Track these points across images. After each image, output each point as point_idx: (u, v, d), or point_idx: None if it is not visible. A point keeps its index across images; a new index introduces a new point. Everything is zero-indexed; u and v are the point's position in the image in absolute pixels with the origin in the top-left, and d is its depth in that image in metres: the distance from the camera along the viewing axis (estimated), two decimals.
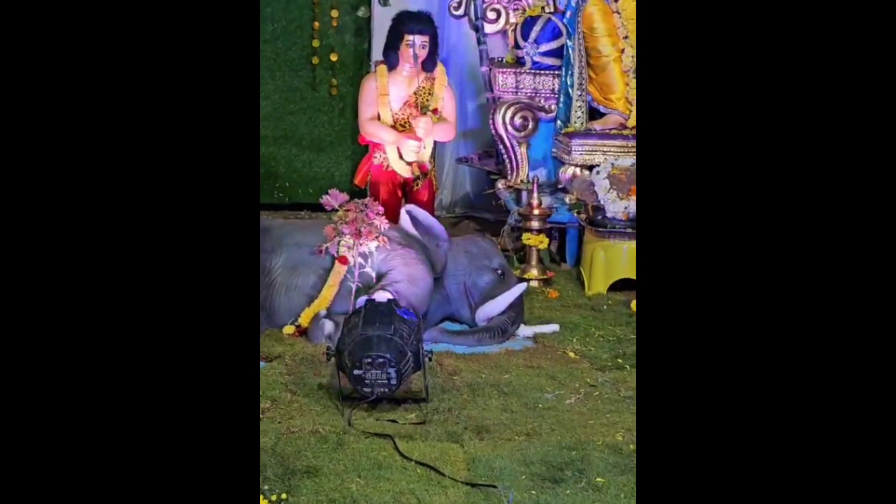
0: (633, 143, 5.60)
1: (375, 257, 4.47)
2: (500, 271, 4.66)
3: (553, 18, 6.06)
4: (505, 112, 5.91)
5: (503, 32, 6.26)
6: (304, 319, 4.46)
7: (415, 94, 5.51)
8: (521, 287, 4.64)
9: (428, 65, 5.50)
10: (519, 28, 6.11)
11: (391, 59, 5.52)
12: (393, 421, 3.62)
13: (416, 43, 5.41)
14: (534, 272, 5.36)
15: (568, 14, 6.01)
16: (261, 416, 3.60)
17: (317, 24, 6.88)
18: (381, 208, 4.58)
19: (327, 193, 4.64)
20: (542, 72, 6.07)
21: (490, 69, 6.12)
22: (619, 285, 5.22)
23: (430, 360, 3.79)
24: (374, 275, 4.46)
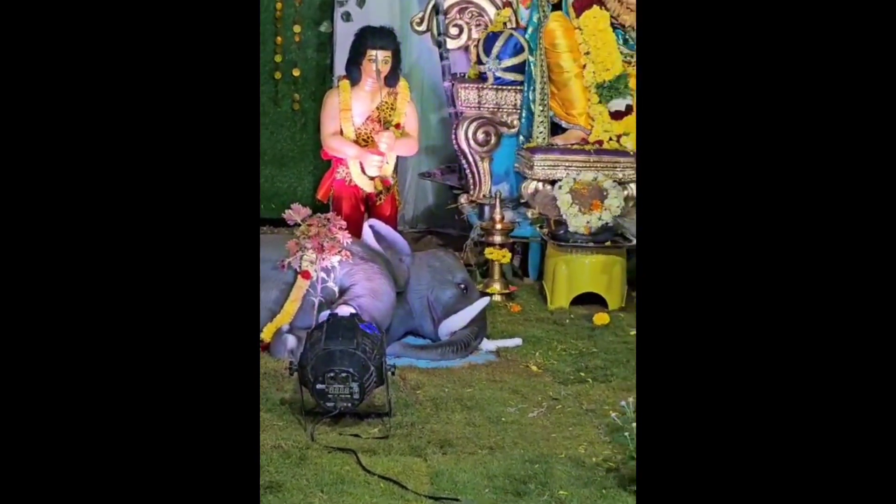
0: (594, 157, 5.65)
1: (338, 272, 4.47)
2: (462, 286, 4.67)
3: (515, 34, 6.11)
4: (467, 127, 5.94)
5: (465, 48, 6.30)
6: (267, 334, 4.44)
7: (377, 109, 5.52)
8: (484, 301, 4.65)
9: (390, 80, 5.52)
10: (481, 44, 6.15)
11: (354, 74, 5.53)
12: (356, 435, 3.62)
13: (378, 58, 5.42)
14: (496, 286, 5.37)
15: (530, 30, 6.07)
16: None
17: (279, 39, 6.87)
18: (343, 223, 4.58)
19: (290, 208, 4.64)
20: (505, 87, 6.11)
21: (452, 84, 6.15)
22: (582, 299, 5.25)
23: (393, 374, 3.80)
24: (336, 289, 4.46)
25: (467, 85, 6.12)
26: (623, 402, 3.32)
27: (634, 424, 3.14)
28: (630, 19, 6.01)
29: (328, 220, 4.55)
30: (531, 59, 5.99)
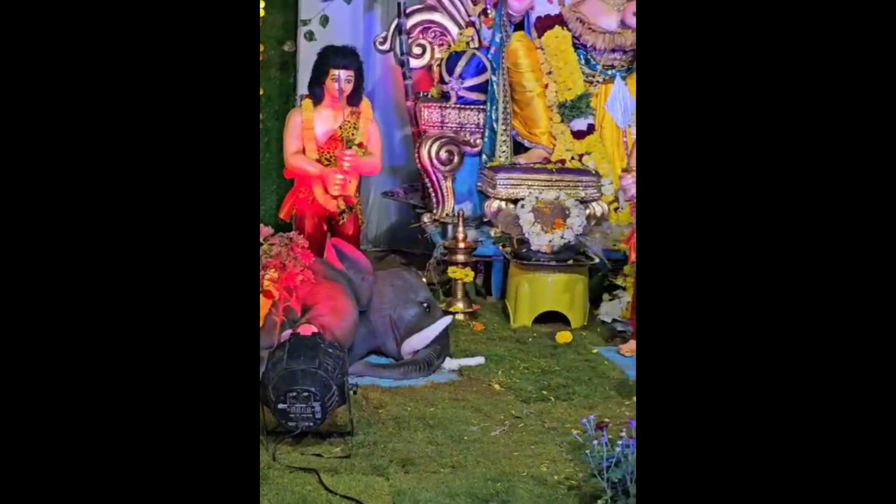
0: (557, 176, 5.68)
1: (300, 291, 4.46)
2: (425, 304, 4.68)
3: (478, 54, 6.14)
4: (430, 146, 5.96)
5: (428, 67, 6.31)
6: None
7: (340, 128, 5.52)
8: (447, 320, 4.66)
9: (353, 99, 5.52)
10: (444, 63, 6.17)
11: (317, 93, 5.53)
12: (318, 455, 3.61)
13: (341, 77, 5.43)
14: (459, 305, 5.39)
15: (492, 50, 6.11)
16: None
17: None
18: (306, 242, 4.57)
19: None
20: (467, 106, 6.13)
21: (415, 104, 6.17)
22: (544, 318, 5.27)
23: (355, 393, 3.79)
24: (298, 308, 4.44)
25: (430, 104, 6.14)
26: (585, 420, 3.33)
27: (596, 442, 3.17)
28: (592, 39, 6.07)
29: (290, 239, 4.53)
30: (494, 78, 6.03)
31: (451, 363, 4.60)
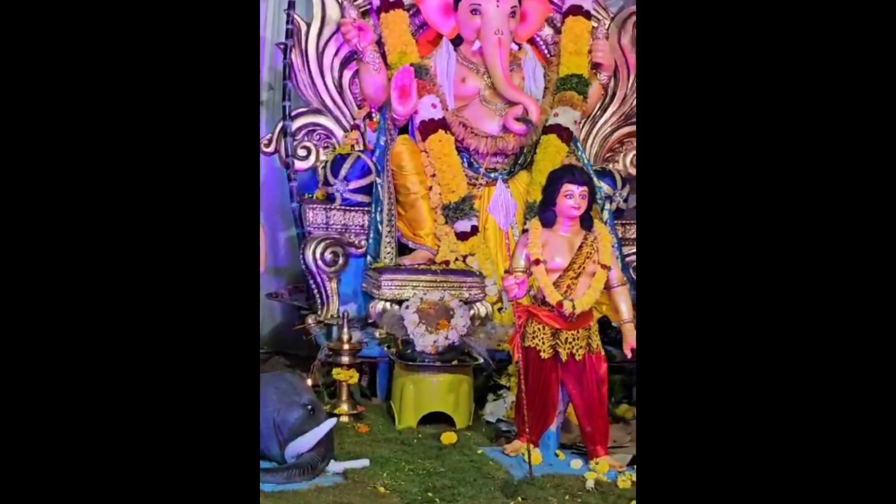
0: (441, 277, 5.74)
1: None
2: (309, 407, 4.64)
3: (362, 156, 6.21)
4: (315, 247, 5.97)
5: (314, 169, 6.36)
6: None
7: None
8: (331, 422, 4.62)
9: None
10: (329, 165, 6.23)
11: None
12: None
13: None
14: (344, 407, 5.35)
15: (377, 152, 6.20)
16: None
17: None
18: None
19: None
20: (352, 208, 6.19)
21: (300, 205, 6.20)
22: (429, 418, 5.26)
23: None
24: None
25: (315, 206, 6.18)
26: None
27: None
28: (475, 143, 6.20)
29: None
30: (378, 180, 6.11)
31: (335, 466, 4.55)
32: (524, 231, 4.98)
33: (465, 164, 6.21)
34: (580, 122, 6.48)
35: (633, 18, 6.71)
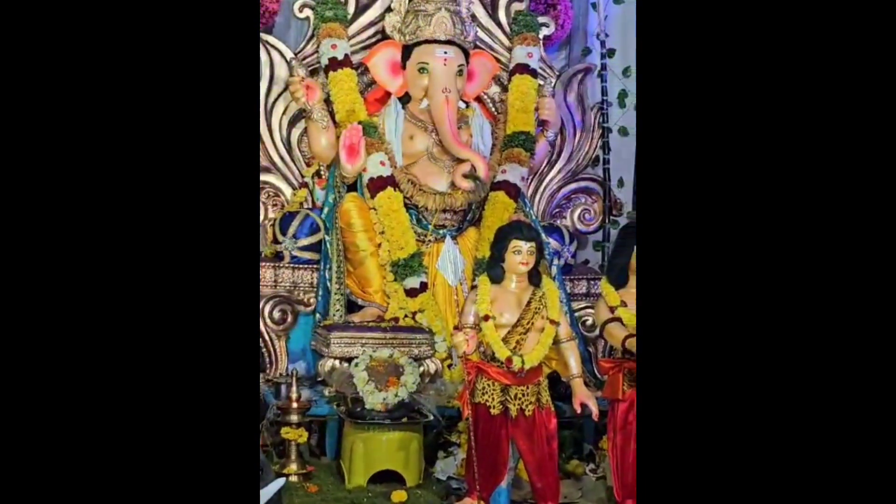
0: (390, 335, 5.72)
1: None
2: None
3: (311, 214, 6.22)
4: (263, 306, 5.94)
5: (262, 227, 6.33)
6: None
7: None
8: (280, 482, 4.57)
9: None
10: (278, 223, 6.22)
11: None
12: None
13: None
14: (293, 466, 5.29)
15: (326, 210, 6.20)
16: None
17: None
18: None
19: None
20: (301, 266, 6.18)
21: None
22: (379, 477, 5.23)
23: None
24: None
25: (264, 264, 6.15)
26: None
27: None
28: (423, 200, 6.23)
29: None
30: (327, 238, 6.11)
31: None
32: (473, 287, 4.99)
33: (414, 221, 6.23)
34: (528, 179, 6.53)
35: (578, 76, 6.82)
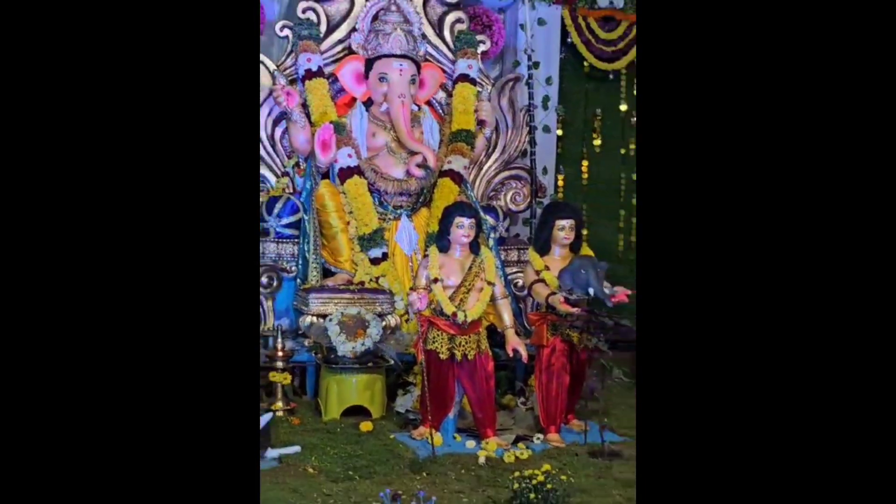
0: (358, 295, 5.69)
1: None
2: None
3: (292, 197, 6.17)
4: None
5: None
6: None
7: None
8: (267, 416, 4.55)
9: None
10: (264, 205, 6.16)
11: None
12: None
13: None
14: (279, 404, 5.27)
15: (304, 194, 6.15)
16: None
17: None
18: None
19: None
20: (284, 240, 6.12)
21: None
22: (350, 411, 5.21)
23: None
24: None
25: None
26: (382, 494, 3.29)
27: None
28: (384, 185, 6.19)
29: None
30: (305, 217, 6.06)
31: (272, 452, 4.47)
32: (425, 256, 4.98)
33: (377, 203, 6.20)
34: (469, 168, 6.52)
35: (510, 84, 6.80)
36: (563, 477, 3.91)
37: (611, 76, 7.31)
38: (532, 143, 6.86)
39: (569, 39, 7.28)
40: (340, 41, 6.49)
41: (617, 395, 5.82)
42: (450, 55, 6.69)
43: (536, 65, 7.12)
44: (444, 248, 4.81)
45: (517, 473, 3.85)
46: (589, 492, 4.05)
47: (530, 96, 6.92)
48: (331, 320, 5.34)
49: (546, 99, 7.22)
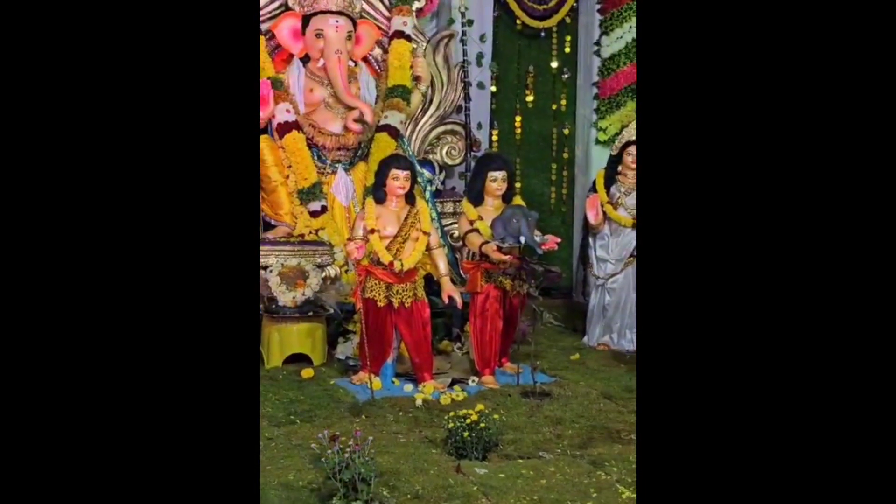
0: (298, 247, 5.64)
1: None
2: None
3: None
4: None
5: None
6: None
7: None
8: None
9: None
10: None
11: None
12: None
13: None
14: None
15: None
16: None
17: None
18: None
19: None
20: None
21: None
22: (292, 359, 5.20)
23: None
24: None
25: None
26: (320, 435, 3.29)
27: (329, 451, 3.13)
28: (322, 140, 6.12)
29: None
30: None
31: None
32: (362, 207, 4.94)
33: (315, 158, 6.12)
34: (405, 123, 6.46)
35: (444, 41, 6.73)
36: (496, 416, 3.95)
37: (542, 34, 7.26)
38: (467, 98, 6.81)
39: None
40: None
41: (548, 338, 5.89)
42: (385, 12, 6.59)
43: (470, 22, 7.04)
44: (381, 199, 4.78)
45: (452, 413, 3.88)
46: (520, 429, 4.10)
47: (464, 53, 6.86)
48: (272, 271, 5.29)
49: (480, 56, 7.16)
